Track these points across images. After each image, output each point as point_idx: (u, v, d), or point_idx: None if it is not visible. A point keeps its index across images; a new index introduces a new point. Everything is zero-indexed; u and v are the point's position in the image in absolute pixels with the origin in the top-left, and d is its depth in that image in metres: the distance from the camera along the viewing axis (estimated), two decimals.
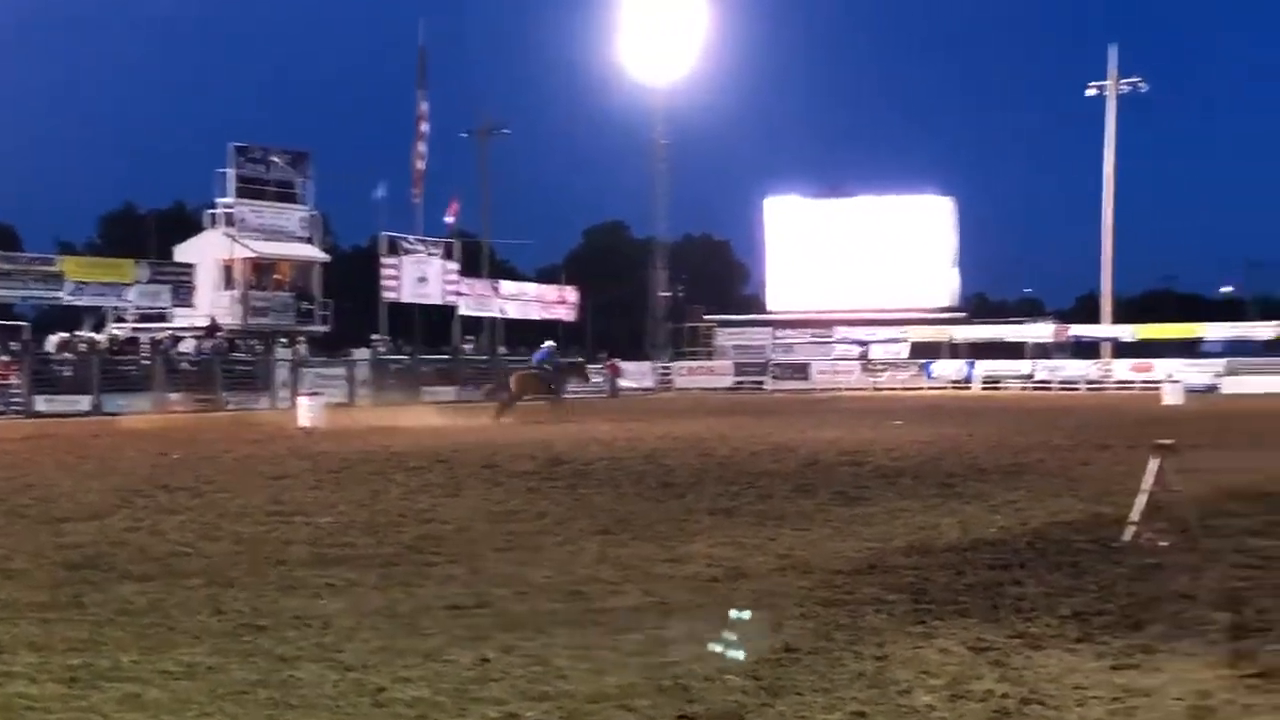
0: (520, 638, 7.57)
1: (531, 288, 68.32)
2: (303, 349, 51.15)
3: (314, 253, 54.22)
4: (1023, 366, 64.38)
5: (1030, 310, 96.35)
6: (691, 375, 66.87)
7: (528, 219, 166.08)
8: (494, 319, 63.52)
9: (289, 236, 52.90)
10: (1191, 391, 47.67)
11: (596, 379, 58.66)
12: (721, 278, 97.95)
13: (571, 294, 66.96)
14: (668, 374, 67.06)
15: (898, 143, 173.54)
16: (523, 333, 64.65)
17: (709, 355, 70.60)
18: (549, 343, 38.90)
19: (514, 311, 63.24)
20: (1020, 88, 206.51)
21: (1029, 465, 19.07)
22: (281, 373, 45.97)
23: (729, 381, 65.36)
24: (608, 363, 61.01)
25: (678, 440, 24.92)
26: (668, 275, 73.47)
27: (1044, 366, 64.30)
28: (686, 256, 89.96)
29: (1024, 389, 61.18)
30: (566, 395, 35.94)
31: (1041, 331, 68.86)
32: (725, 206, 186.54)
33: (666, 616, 8.21)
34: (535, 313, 63.83)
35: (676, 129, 73.63)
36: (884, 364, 66.81)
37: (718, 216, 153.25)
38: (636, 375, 63.85)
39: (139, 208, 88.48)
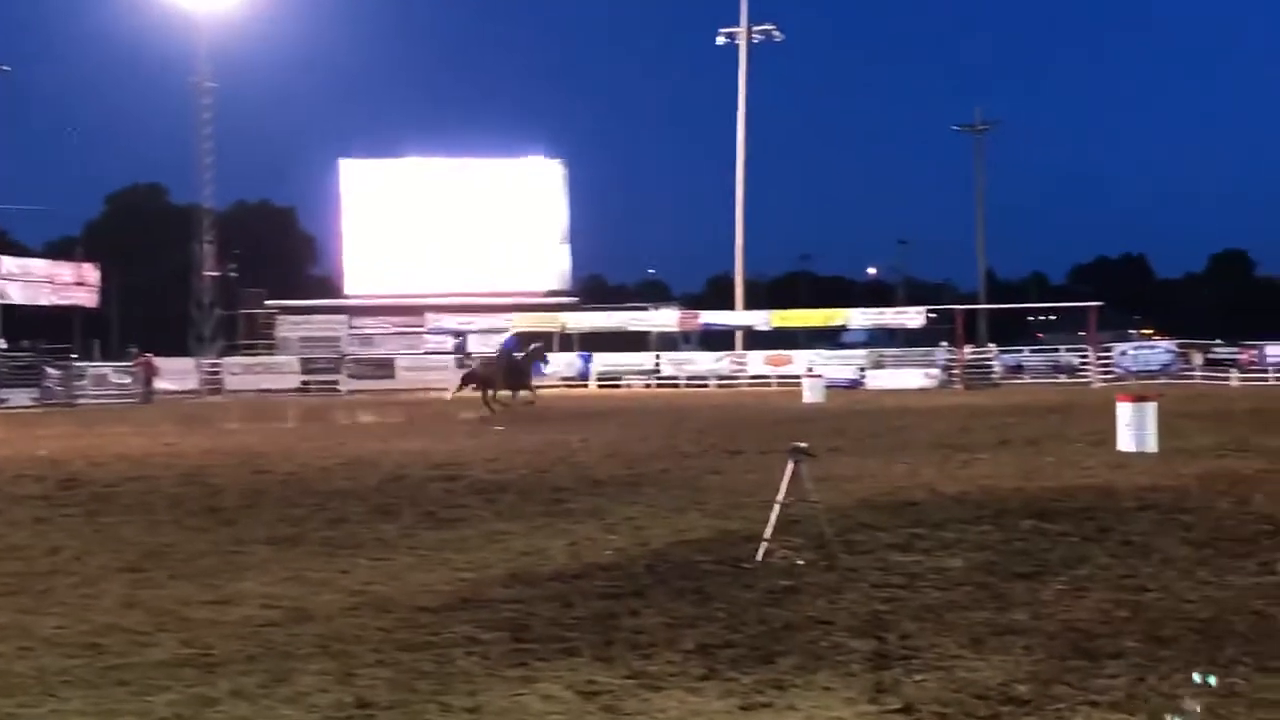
0: (21, 704, 7.35)
1: (40, 265, 65.48)
2: None
3: None
4: (646, 360, 66.25)
5: (654, 295, 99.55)
6: (247, 374, 65.60)
7: (34, 180, 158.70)
8: None
9: None
10: (833, 387, 50.24)
11: (125, 380, 56.85)
12: (286, 255, 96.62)
13: (92, 273, 64.64)
14: (216, 373, 65.56)
15: (503, 99, 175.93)
16: (28, 322, 62.00)
17: (269, 350, 69.46)
18: (514, 329, 43.39)
19: (18, 295, 60.57)
20: (648, 35, 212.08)
21: (650, 475, 19.64)
22: None
23: (295, 381, 64.49)
24: (140, 359, 59.30)
25: (227, 455, 24.50)
26: (216, 251, 71.77)
27: (670, 360, 66.37)
28: (241, 228, 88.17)
29: (647, 386, 63.01)
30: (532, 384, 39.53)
31: (667, 319, 71.08)
32: (290, 169, 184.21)
33: (209, 671, 8.09)
34: (46, 296, 61.44)
35: (227, 71, 72.24)
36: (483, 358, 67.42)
37: (280, 181, 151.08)
38: (177, 375, 62.24)
39: None
